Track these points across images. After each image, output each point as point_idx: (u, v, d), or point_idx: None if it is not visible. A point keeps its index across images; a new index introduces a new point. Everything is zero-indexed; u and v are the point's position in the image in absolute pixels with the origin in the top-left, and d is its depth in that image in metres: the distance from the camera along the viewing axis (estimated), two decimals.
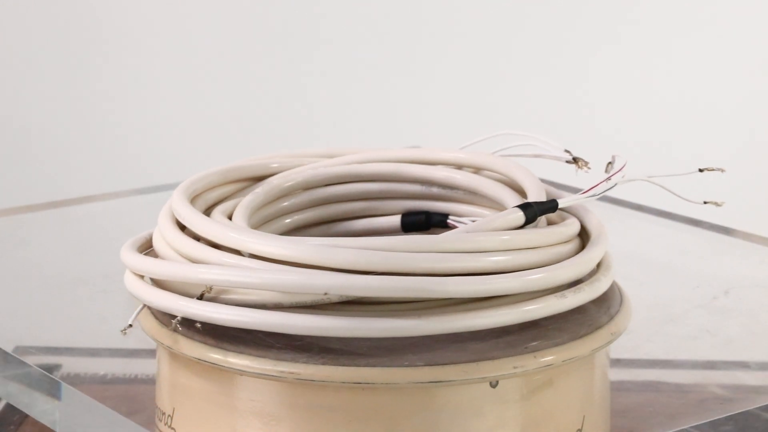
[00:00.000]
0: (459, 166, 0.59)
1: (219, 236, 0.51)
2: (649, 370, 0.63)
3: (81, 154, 1.42)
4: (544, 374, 0.49)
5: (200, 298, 0.49)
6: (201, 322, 0.49)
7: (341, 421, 0.47)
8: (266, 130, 1.43)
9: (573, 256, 0.52)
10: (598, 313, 0.52)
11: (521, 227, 0.51)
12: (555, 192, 0.56)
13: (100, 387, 0.61)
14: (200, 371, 0.49)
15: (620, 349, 0.61)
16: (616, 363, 0.61)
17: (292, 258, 0.48)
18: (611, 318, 0.52)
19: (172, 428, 0.51)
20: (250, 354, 0.48)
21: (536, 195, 0.54)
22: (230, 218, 0.55)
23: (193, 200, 0.56)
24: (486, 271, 0.49)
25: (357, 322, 0.47)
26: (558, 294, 0.50)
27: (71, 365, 0.63)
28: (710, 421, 0.54)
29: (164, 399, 0.52)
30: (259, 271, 0.48)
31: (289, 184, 0.59)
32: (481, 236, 0.49)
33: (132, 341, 0.64)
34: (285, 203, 0.59)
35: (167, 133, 1.43)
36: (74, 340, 0.67)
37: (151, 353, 0.55)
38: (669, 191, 0.57)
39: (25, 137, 1.43)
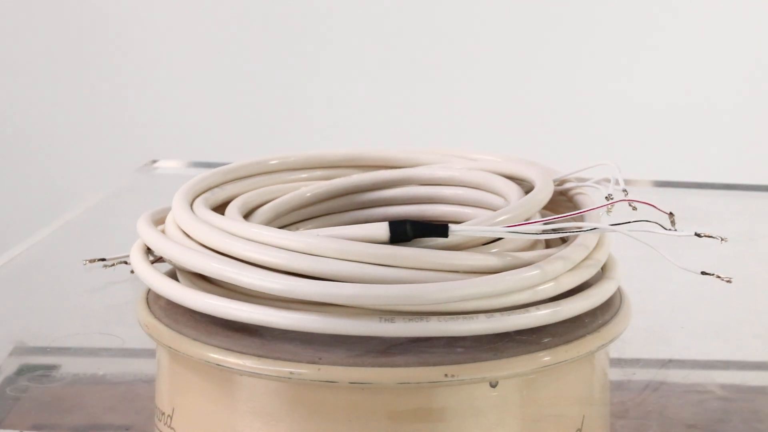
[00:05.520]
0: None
1: (176, 217, 0.55)
2: (649, 370, 0.63)
3: (80, 155, 1.43)
4: (544, 374, 0.49)
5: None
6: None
7: (341, 421, 0.47)
8: (290, 125, 1.43)
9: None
10: (598, 313, 0.52)
11: (386, 243, 0.49)
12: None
13: (100, 387, 0.61)
14: (200, 371, 0.49)
15: (620, 349, 0.61)
16: (616, 363, 0.61)
17: (187, 232, 0.53)
18: (611, 318, 0.52)
19: (172, 428, 0.51)
20: (250, 354, 0.48)
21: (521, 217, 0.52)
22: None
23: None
24: (309, 274, 0.48)
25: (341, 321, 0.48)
26: (557, 302, 0.50)
27: (71, 365, 0.63)
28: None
29: (164, 399, 0.52)
30: (163, 239, 0.53)
31: (383, 179, 0.60)
32: (323, 241, 0.48)
33: (132, 341, 0.64)
34: (376, 196, 0.60)
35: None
36: (74, 340, 0.67)
37: (151, 353, 0.55)
38: (660, 253, 0.51)
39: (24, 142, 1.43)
